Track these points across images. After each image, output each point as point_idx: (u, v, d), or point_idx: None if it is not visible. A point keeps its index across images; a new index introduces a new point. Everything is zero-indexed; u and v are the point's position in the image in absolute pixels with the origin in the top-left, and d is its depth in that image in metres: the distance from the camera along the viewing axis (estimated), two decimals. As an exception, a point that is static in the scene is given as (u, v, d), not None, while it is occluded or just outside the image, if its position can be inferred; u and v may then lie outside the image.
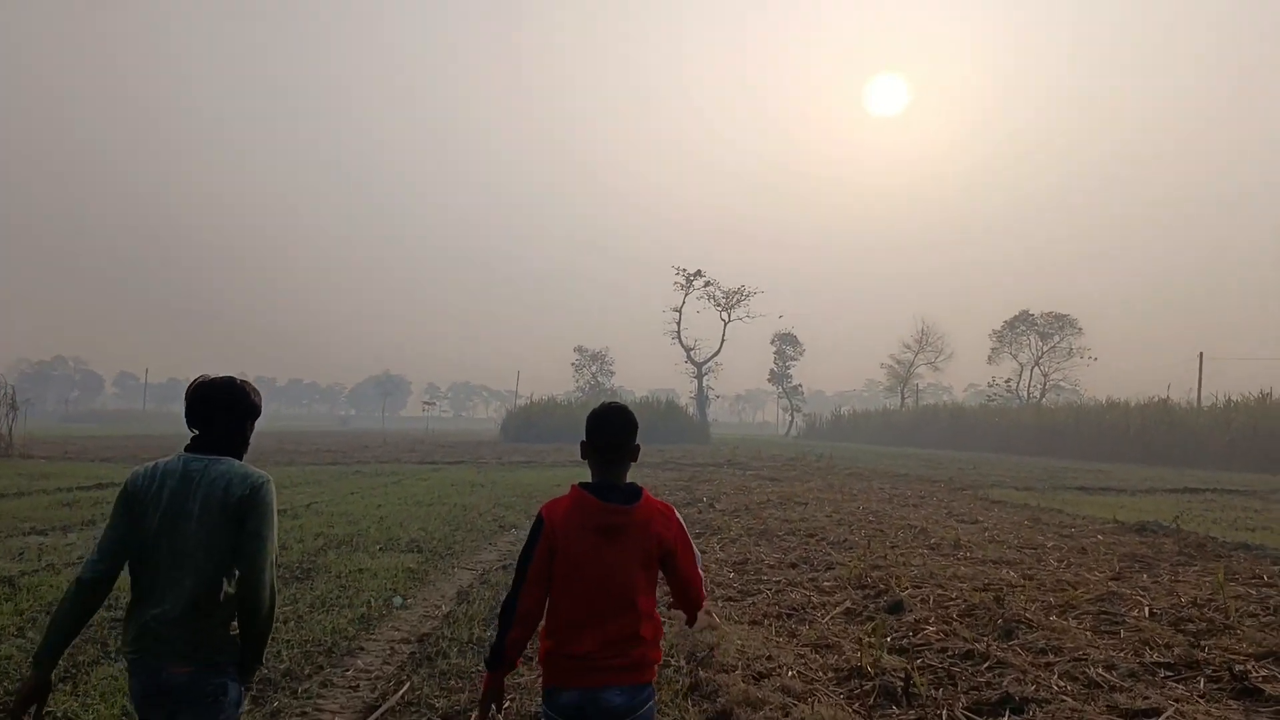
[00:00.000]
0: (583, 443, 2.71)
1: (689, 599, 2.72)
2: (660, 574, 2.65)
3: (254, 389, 2.81)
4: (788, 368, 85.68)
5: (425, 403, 77.14)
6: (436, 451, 32.88)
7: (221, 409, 2.70)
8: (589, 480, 2.65)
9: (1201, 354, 47.72)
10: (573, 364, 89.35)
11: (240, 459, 2.73)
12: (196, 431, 2.72)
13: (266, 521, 2.62)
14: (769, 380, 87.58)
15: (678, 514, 2.72)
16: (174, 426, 79.62)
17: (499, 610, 2.62)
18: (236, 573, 2.61)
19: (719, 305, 72.64)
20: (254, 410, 2.78)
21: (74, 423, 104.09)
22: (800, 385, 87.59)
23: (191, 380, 2.78)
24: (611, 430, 2.67)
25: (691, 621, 2.93)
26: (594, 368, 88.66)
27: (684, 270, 70.92)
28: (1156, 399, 40.32)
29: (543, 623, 2.59)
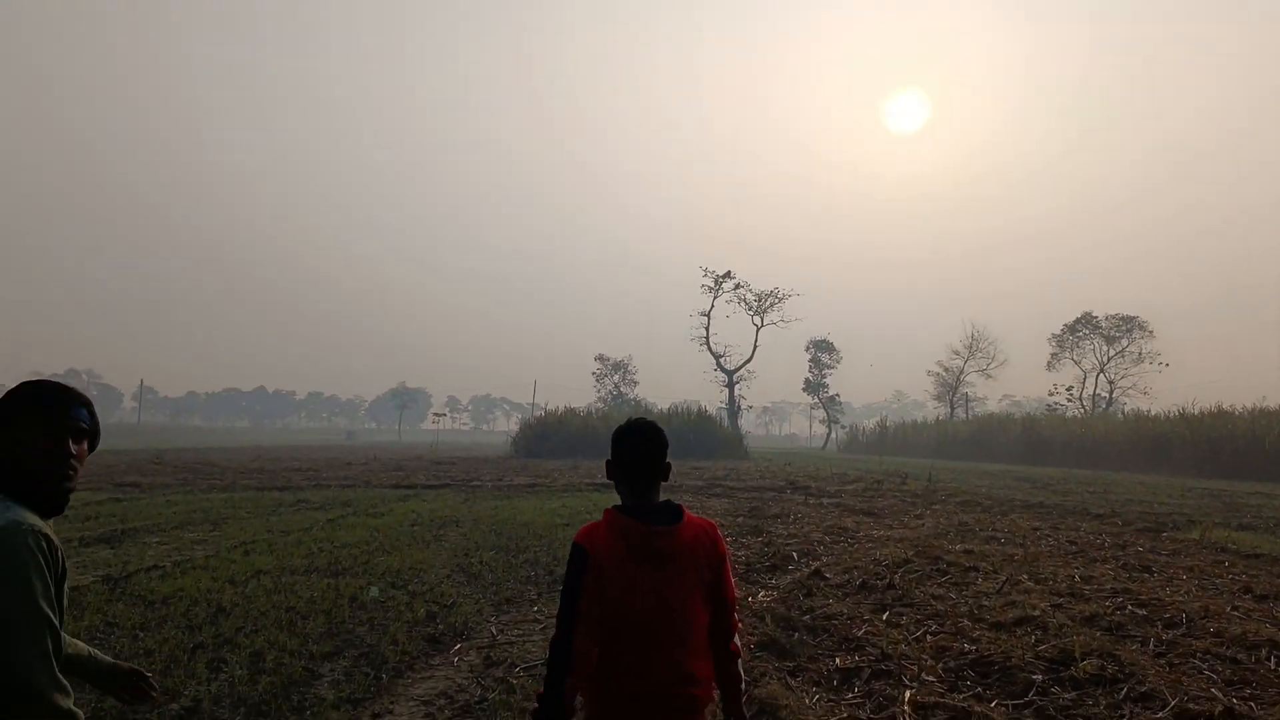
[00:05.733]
0: (609, 462, 2.47)
1: (725, 628, 2.46)
2: None
3: (41, 389, 2.03)
4: (824, 377, 79.45)
5: (435, 414, 71.53)
6: (424, 471, 26.99)
7: None
8: (618, 504, 2.42)
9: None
10: (594, 374, 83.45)
11: (20, 496, 1.92)
12: None
13: (15, 596, 1.77)
14: (804, 389, 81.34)
15: (718, 531, 2.49)
16: (182, 439, 74.61)
17: (549, 655, 2.23)
18: None
19: (750, 309, 66.90)
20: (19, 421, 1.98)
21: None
22: (838, 395, 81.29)
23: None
24: (646, 447, 2.43)
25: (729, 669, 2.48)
26: (616, 377, 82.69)
27: (712, 272, 65.25)
28: (1280, 405, 33.77)
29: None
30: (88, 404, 2.10)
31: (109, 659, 2.29)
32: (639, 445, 2.40)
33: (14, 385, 2.01)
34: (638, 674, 2.26)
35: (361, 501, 16.22)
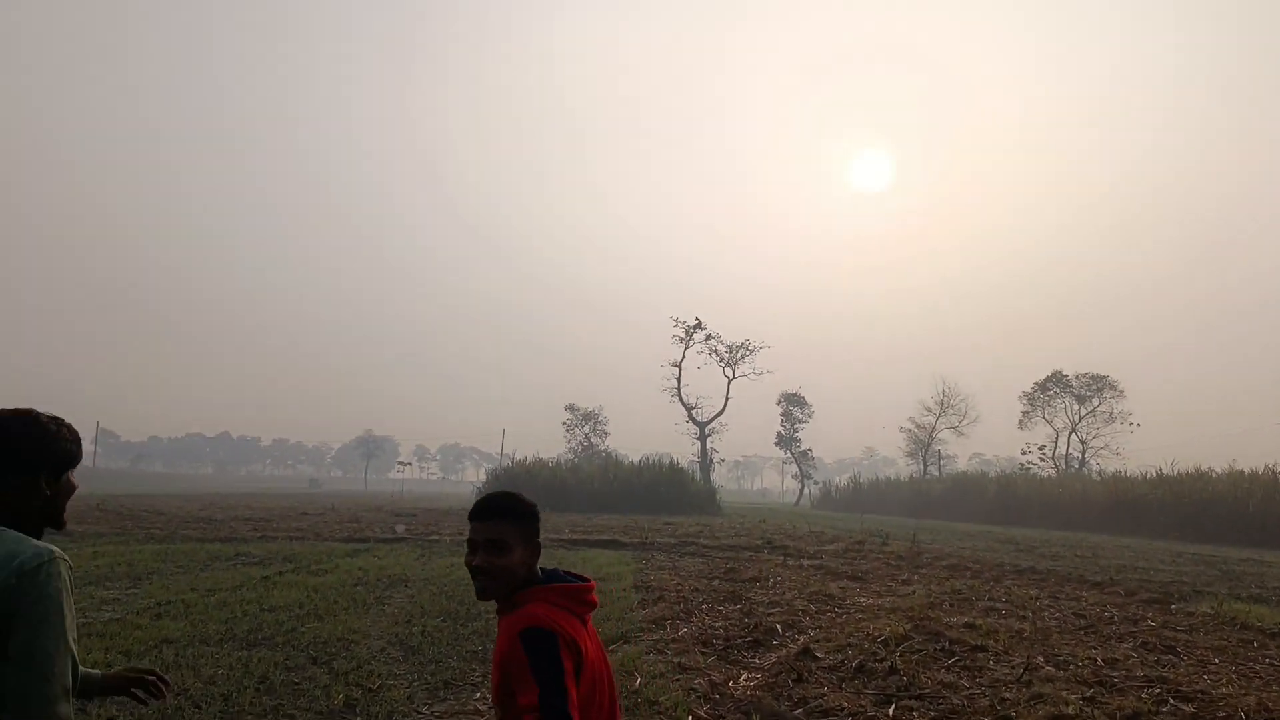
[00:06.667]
0: (534, 536, 2.23)
1: None
2: None
3: (61, 423, 1.97)
4: (795, 431, 78.70)
5: (401, 463, 69.93)
6: (381, 523, 25.62)
7: None
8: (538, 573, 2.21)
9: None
10: (564, 424, 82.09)
11: (33, 531, 1.85)
12: None
13: (46, 627, 1.69)
14: (776, 444, 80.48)
15: None
16: (140, 486, 71.91)
17: None
18: None
19: (721, 361, 66.26)
20: (48, 454, 1.89)
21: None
22: (810, 450, 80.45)
23: None
24: None
25: None
26: (587, 428, 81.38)
27: (683, 322, 64.56)
28: (1265, 469, 33.22)
29: None
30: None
31: (99, 673, 2.16)
32: None
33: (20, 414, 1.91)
34: None
35: (306, 556, 14.97)
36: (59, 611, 1.72)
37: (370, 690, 5.97)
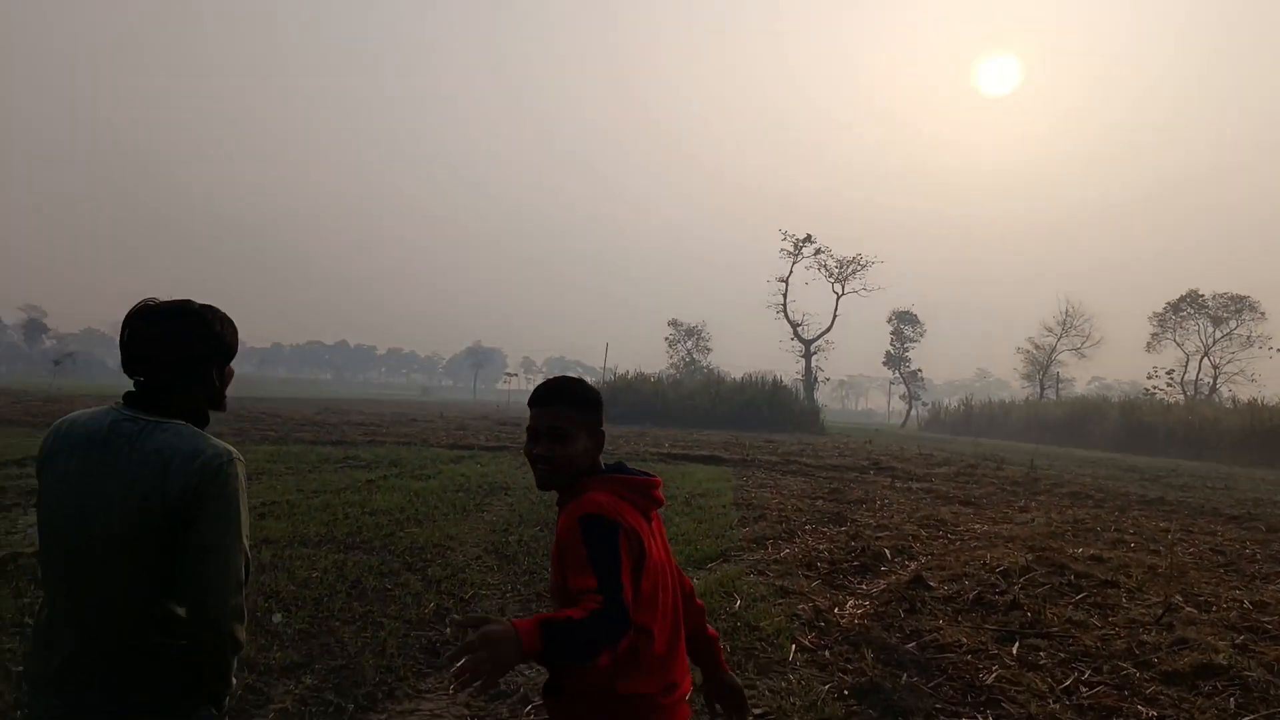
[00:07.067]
0: (599, 429, 2.07)
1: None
2: None
3: (221, 317, 1.94)
4: (906, 350, 76.62)
5: (507, 374, 71.42)
6: (486, 431, 26.01)
7: (167, 345, 1.82)
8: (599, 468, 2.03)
9: None
10: (666, 339, 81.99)
11: (201, 424, 1.89)
12: (138, 379, 1.85)
13: (226, 524, 1.76)
14: (884, 363, 78.65)
15: None
16: (263, 389, 75.57)
17: (585, 625, 1.59)
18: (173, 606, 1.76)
19: (831, 276, 64.54)
20: (218, 348, 1.91)
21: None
22: (920, 370, 78.26)
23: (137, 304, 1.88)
24: None
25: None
26: (689, 343, 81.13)
27: (792, 235, 62.90)
28: None
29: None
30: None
31: None
32: None
33: (201, 307, 1.91)
34: (676, 662, 1.93)
35: (411, 461, 15.21)
36: (237, 510, 1.78)
37: (462, 600, 5.84)
